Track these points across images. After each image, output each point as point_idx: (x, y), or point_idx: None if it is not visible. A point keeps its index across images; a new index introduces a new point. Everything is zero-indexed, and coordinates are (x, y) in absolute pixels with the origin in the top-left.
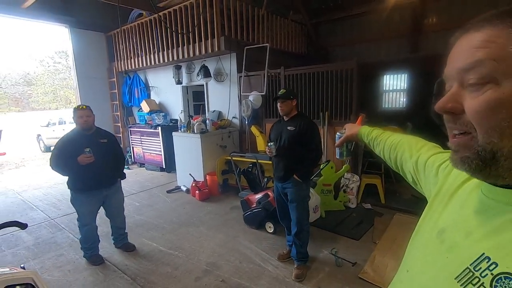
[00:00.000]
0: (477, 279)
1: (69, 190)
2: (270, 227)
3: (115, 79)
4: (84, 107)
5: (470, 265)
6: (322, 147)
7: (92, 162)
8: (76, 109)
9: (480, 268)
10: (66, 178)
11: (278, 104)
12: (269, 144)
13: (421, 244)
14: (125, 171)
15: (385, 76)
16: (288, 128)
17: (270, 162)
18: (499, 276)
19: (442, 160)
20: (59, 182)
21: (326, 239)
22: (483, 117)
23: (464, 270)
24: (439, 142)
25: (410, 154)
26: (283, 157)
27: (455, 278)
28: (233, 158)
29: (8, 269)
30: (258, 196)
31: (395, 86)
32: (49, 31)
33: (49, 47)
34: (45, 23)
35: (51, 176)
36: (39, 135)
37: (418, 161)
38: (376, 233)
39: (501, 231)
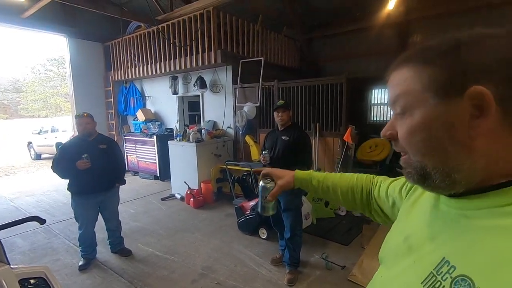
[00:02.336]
0: (439, 283)
1: (69, 193)
2: (263, 233)
3: (111, 88)
4: (85, 114)
5: (433, 269)
6: (313, 156)
7: (90, 167)
8: (77, 116)
9: (442, 271)
10: (58, 185)
11: (278, 114)
12: (263, 152)
13: (391, 251)
14: None
15: (373, 90)
16: (283, 137)
17: None
18: (457, 278)
19: (401, 184)
20: (51, 189)
21: (317, 244)
22: (406, 141)
23: (429, 275)
24: None
25: (378, 190)
26: (277, 165)
27: (421, 283)
28: (228, 167)
29: (17, 266)
30: (252, 203)
31: (383, 100)
32: (42, 39)
33: (41, 55)
34: (44, 32)
35: (43, 184)
36: (30, 143)
37: (380, 193)
38: (365, 239)
39: (459, 235)
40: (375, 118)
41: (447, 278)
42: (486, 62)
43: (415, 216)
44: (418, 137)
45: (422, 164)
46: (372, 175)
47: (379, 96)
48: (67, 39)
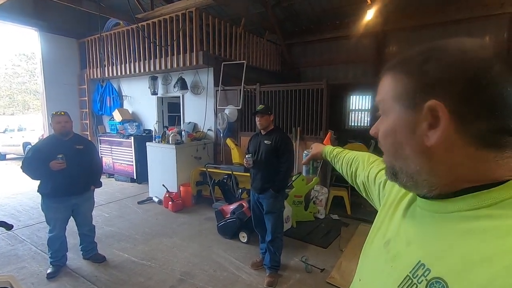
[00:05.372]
0: (415, 286)
1: (37, 195)
2: (243, 237)
3: (85, 86)
4: (62, 113)
5: (409, 272)
6: (294, 160)
7: (65, 168)
8: (54, 115)
9: (418, 274)
10: (25, 187)
11: (257, 118)
12: (246, 156)
13: (372, 254)
14: None
15: (351, 96)
16: (265, 142)
17: (245, 173)
18: (432, 281)
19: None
20: (17, 192)
21: (297, 247)
22: (381, 142)
23: (405, 278)
24: None
25: (363, 168)
26: (261, 169)
27: (398, 286)
28: (208, 170)
29: None
30: (232, 206)
31: (360, 106)
32: (9, 31)
33: (8, 48)
34: (13, 25)
35: (7, 186)
36: None
37: (369, 175)
38: (343, 242)
39: (433, 238)
40: (352, 124)
41: (422, 280)
42: (449, 78)
43: (396, 220)
44: (388, 140)
45: (391, 165)
46: (374, 158)
47: (356, 102)
48: (38, 33)
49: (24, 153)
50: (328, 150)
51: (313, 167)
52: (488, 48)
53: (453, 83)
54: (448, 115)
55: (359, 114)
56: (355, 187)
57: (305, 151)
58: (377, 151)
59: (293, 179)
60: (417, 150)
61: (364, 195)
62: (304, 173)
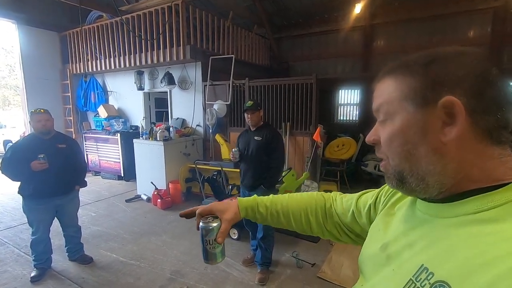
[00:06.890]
0: None
1: (20, 196)
2: (234, 233)
3: (68, 81)
4: (42, 110)
5: (412, 276)
6: (285, 156)
7: (47, 169)
8: (33, 113)
9: (421, 278)
10: (6, 187)
11: (248, 116)
12: (233, 150)
13: (370, 260)
14: None
15: (340, 91)
16: (256, 138)
17: (235, 170)
18: (435, 284)
19: (373, 198)
20: None
21: (288, 243)
22: (387, 145)
23: (408, 282)
24: None
25: (336, 210)
26: (251, 165)
27: None
28: (198, 166)
29: None
30: None
31: (349, 100)
32: None
33: None
34: None
35: None
36: None
37: (344, 209)
38: None
39: (436, 242)
40: (341, 118)
41: (425, 284)
42: (458, 75)
43: (394, 226)
44: (397, 142)
45: (400, 168)
46: (320, 193)
47: (345, 96)
48: (16, 26)
49: (4, 151)
50: (250, 203)
51: (223, 245)
52: (483, 53)
53: (463, 79)
54: (464, 110)
55: (348, 108)
56: (325, 235)
57: (201, 223)
58: (366, 146)
59: (283, 174)
60: (431, 149)
61: (343, 239)
62: (204, 259)
